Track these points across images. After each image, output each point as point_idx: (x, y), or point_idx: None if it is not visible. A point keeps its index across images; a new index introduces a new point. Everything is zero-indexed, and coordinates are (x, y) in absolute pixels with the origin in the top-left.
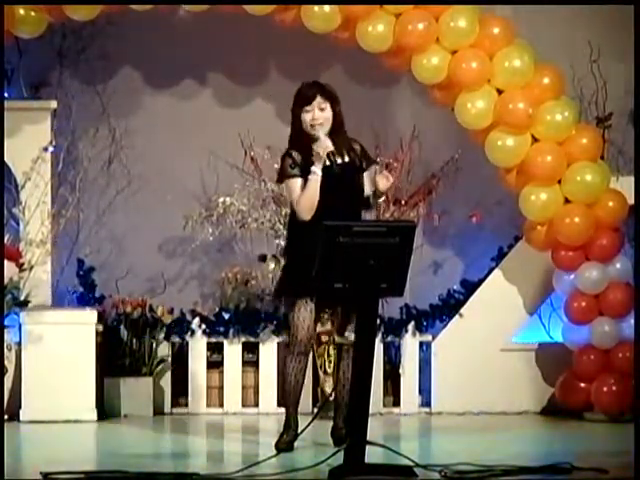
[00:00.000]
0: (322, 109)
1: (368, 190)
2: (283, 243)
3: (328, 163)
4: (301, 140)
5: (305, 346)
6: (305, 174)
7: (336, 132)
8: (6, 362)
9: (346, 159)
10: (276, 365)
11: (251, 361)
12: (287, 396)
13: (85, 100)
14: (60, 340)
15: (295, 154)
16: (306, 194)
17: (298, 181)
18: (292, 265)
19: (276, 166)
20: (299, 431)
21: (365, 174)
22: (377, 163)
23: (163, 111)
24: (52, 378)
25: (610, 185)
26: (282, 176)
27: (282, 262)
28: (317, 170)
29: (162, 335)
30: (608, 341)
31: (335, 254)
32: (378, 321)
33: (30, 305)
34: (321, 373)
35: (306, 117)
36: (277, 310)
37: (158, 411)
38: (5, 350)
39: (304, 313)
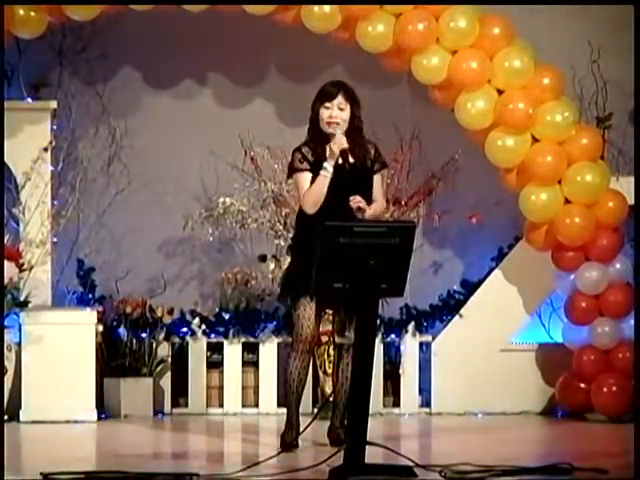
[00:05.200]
0: (341, 109)
1: (377, 192)
2: (283, 243)
3: (340, 161)
4: (316, 136)
5: (309, 344)
6: (315, 170)
7: (352, 135)
8: (6, 362)
9: (355, 160)
10: (276, 365)
11: (251, 361)
12: (289, 395)
13: (85, 100)
14: (60, 340)
15: (305, 149)
16: (313, 189)
17: (307, 175)
18: (297, 263)
19: (276, 167)
20: (300, 430)
21: (375, 177)
22: (387, 167)
23: (163, 111)
24: (52, 378)
25: (610, 185)
26: (290, 171)
27: (283, 261)
28: (328, 167)
29: (162, 335)
30: (608, 341)
31: (335, 254)
32: (378, 321)
33: (30, 305)
34: (321, 373)
35: (324, 113)
36: (277, 310)
37: (158, 411)
38: (5, 350)
39: (309, 311)
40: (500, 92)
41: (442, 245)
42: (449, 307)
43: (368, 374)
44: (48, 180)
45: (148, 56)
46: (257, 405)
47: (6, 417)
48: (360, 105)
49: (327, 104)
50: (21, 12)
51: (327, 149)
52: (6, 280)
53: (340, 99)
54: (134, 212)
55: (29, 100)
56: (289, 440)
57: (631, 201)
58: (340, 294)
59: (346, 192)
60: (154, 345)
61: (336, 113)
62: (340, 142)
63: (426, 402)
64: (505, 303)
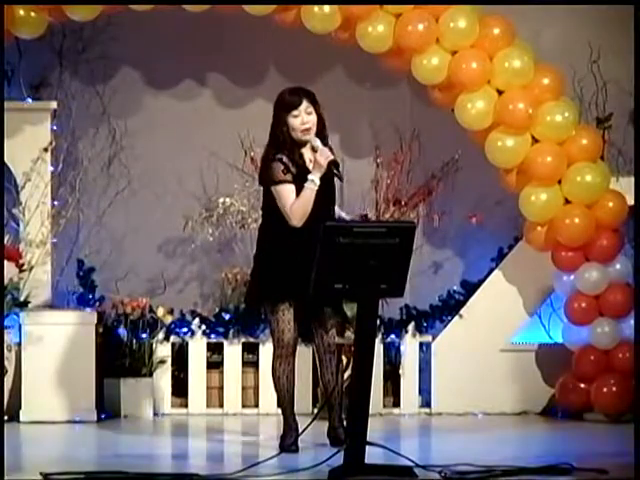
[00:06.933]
0: (309, 113)
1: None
2: None
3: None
4: (287, 146)
5: (292, 347)
6: (295, 180)
7: (320, 135)
8: (6, 362)
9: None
10: None
11: (251, 362)
12: (282, 398)
13: (85, 100)
14: (60, 340)
15: (285, 159)
16: (301, 202)
17: (292, 187)
18: (266, 271)
19: None
20: (300, 431)
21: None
22: (338, 166)
23: (163, 111)
24: (52, 379)
25: (610, 186)
26: (272, 181)
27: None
28: (315, 179)
29: (162, 335)
30: (608, 341)
31: (335, 255)
32: (378, 321)
33: (30, 306)
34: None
35: (294, 122)
36: None
37: (158, 411)
38: (5, 350)
39: (288, 315)
40: (500, 92)
41: (442, 245)
42: (449, 307)
43: (368, 374)
44: (48, 180)
45: (148, 56)
46: (257, 405)
47: (6, 417)
48: (320, 103)
49: (294, 112)
50: (21, 12)
51: (307, 159)
52: (6, 280)
53: (306, 104)
54: (134, 212)
55: (29, 100)
56: (289, 443)
57: (631, 201)
58: (343, 294)
59: (319, 199)
60: (154, 345)
61: (306, 119)
62: (326, 154)
63: (426, 402)
64: (505, 303)
